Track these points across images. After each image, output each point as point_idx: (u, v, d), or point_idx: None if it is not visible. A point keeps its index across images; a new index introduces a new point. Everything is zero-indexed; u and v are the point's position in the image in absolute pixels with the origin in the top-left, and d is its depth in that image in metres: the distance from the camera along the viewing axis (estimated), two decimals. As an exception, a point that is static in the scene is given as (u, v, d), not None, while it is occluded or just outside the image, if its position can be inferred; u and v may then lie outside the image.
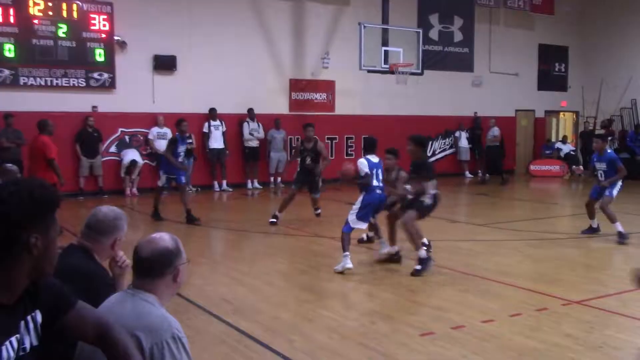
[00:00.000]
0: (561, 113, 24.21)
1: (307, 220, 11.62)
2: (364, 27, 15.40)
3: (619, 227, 9.50)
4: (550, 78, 23.29)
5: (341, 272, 7.51)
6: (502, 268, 7.81)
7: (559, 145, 22.53)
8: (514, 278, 7.24)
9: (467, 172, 20.66)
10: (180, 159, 11.53)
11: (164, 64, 15.68)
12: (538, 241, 9.91)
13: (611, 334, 5.48)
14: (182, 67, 15.88)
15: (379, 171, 7.88)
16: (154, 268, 2.60)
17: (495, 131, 19.63)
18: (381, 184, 7.87)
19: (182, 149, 11.61)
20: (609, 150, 10.28)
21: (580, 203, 11.59)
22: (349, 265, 7.53)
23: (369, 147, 8.26)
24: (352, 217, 7.74)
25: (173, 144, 11.56)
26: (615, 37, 22.46)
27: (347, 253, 7.58)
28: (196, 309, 6.13)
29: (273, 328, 5.60)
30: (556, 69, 23.46)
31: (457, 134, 20.60)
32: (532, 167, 21.82)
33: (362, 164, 7.87)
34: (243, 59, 16.74)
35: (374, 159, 7.98)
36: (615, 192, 9.77)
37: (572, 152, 22.27)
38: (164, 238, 2.67)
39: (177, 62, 15.81)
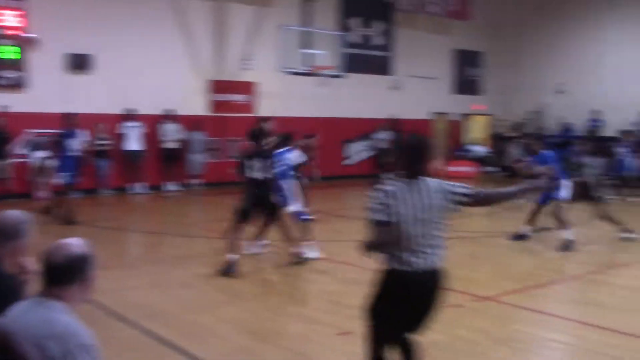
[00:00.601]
0: (475, 116, 25.11)
1: (225, 221, 11.50)
2: (285, 29, 15.45)
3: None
4: (465, 82, 24.12)
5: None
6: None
7: (472, 147, 23.39)
8: (429, 276, 7.45)
9: (385, 174, 21.04)
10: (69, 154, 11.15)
11: (79, 62, 15.14)
12: (451, 240, 10.17)
13: (518, 328, 5.73)
14: (99, 66, 15.38)
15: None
16: (63, 274, 2.52)
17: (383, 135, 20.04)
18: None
19: (71, 143, 11.25)
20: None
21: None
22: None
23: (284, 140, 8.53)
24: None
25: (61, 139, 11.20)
26: (526, 43, 23.52)
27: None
28: (109, 315, 5.96)
29: (189, 332, 5.52)
30: (471, 74, 24.31)
31: (376, 135, 20.94)
32: (448, 169, 22.48)
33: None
34: (162, 59, 16.41)
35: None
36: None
37: (485, 154, 23.17)
38: (74, 243, 2.59)
39: (93, 61, 15.31)
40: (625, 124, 19.77)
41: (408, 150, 3.65)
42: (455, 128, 24.06)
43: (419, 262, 3.52)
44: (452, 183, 3.60)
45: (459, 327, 5.65)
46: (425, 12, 21.67)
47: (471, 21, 23.09)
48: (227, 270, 7.50)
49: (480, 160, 22.50)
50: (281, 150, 8.25)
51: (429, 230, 3.51)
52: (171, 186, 16.52)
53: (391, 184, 3.61)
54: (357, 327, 5.56)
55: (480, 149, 23.20)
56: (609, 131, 21.16)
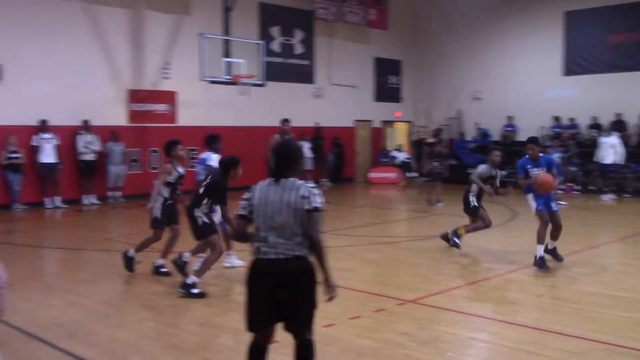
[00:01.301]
0: (396, 123, 25.64)
1: (147, 234, 11.22)
2: (205, 37, 15.28)
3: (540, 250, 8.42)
4: (386, 90, 24.61)
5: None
6: (342, 273, 8.04)
7: (394, 153, 23.88)
8: (353, 282, 7.52)
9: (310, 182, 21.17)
10: None
11: (-14, 72, 14.47)
12: (376, 245, 10.37)
13: (442, 329, 5.86)
14: (10, 76, 14.72)
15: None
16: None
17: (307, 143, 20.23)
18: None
19: None
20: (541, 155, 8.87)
21: (415, 207, 12.32)
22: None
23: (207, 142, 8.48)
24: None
25: None
26: (442, 52, 24.28)
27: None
28: (24, 336, 5.68)
29: (111, 350, 5.34)
30: (391, 82, 24.83)
31: (299, 144, 21.04)
32: (370, 175, 22.85)
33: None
34: (77, 68, 15.89)
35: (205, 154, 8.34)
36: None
37: (406, 160, 23.69)
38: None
39: (3, 71, 14.63)
40: (536, 128, 20.70)
41: (273, 152, 3.99)
42: (377, 135, 24.48)
43: (270, 251, 3.78)
44: (316, 191, 3.82)
45: (384, 332, 5.73)
46: (345, 22, 21.98)
47: (390, 30, 23.60)
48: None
49: (402, 166, 22.99)
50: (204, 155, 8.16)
51: (282, 224, 3.77)
52: (89, 199, 15.99)
53: (258, 183, 3.96)
54: (283, 336, 5.55)
55: (401, 155, 23.71)
56: (523, 136, 22.11)
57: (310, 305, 3.88)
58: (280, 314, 3.85)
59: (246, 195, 3.99)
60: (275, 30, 20.48)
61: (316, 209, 3.79)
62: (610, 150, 16.84)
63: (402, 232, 12.17)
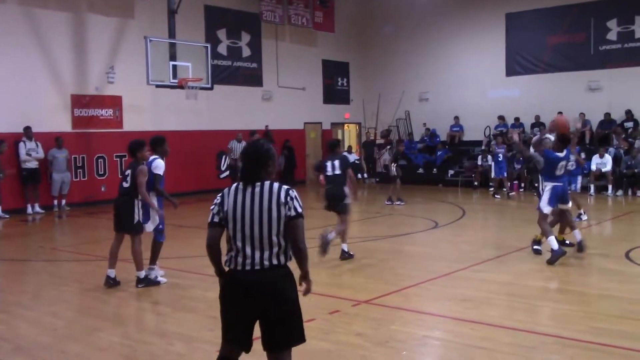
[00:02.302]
0: (345, 125, 25.78)
1: (96, 242, 10.97)
2: (150, 41, 15.02)
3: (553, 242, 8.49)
4: (334, 92, 24.72)
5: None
6: (297, 275, 8.03)
7: (344, 154, 23.93)
8: (308, 285, 7.50)
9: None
10: None
11: None
12: (330, 247, 10.36)
13: (396, 328, 5.90)
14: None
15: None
16: None
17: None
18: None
19: None
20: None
21: (367, 209, 12.40)
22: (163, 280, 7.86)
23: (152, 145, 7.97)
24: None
25: None
26: (389, 54, 24.54)
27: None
28: (-33, 352, 5.45)
29: (60, 363, 5.17)
30: (339, 84, 24.96)
31: (269, 145, 20.89)
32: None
33: (157, 165, 7.71)
34: (17, 73, 15.38)
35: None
36: (543, 204, 8.77)
37: (356, 161, 23.80)
38: None
39: None
40: (482, 128, 21.15)
41: (244, 156, 3.78)
42: (327, 137, 24.53)
43: (247, 262, 3.56)
44: (295, 196, 3.65)
45: (339, 333, 5.74)
46: (291, 24, 21.98)
47: (337, 33, 23.72)
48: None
49: (352, 168, 23.05)
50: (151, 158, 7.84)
51: (259, 232, 3.55)
52: (34, 208, 15.49)
53: (229, 187, 3.71)
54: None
55: (351, 157, 23.80)
56: (468, 135, 22.55)
57: (296, 314, 3.65)
58: (263, 326, 3.62)
59: (217, 200, 3.70)
60: (221, 33, 20.31)
61: (298, 215, 3.60)
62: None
63: (355, 233, 12.21)
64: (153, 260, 7.89)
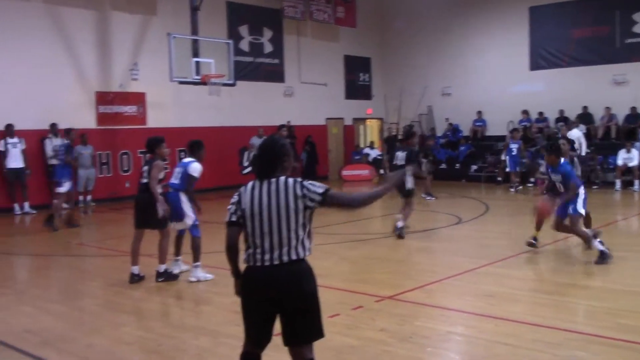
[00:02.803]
0: (367, 120, 25.72)
1: (121, 237, 11.10)
2: (173, 37, 15.13)
3: (598, 245, 8.14)
4: (356, 87, 24.67)
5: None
6: (319, 271, 7.95)
7: (367, 150, 23.94)
8: (330, 280, 7.50)
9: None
10: None
11: (-51, 76, 14.13)
12: (352, 242, 10.39)
13: (420, 324, 5.89)
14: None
15: (179, 170, 7.88)
16: None
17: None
18: (176, 182, 7.84)
19: None
20: (561, 161, 8.50)
21: (389, 204, 12.36)
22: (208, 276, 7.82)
23: (188, 149, 8.07)
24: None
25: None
26: (411, 49, 24.41)
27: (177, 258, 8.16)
28: (-3, 345, 5.56)
29: (87, 356, 5.25)
30: (361, 79, 24.90)
31: (285, 141, 20.90)
32: (343, 173, 22.89)
33: (195, 168, 7.79)
34: (43, 71, 15.61)
35: (186, 160, 7.97)
36: (580, 207, 8.37)
37: (379, 157, 23.75)
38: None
39: (-37, 75, 14.32)
40: (505, 123, 20.95)
41: (259, 151, 3.78)
42: (349, 133, 24.53)
43: (265, 258, 3.57)
44: (309, 183, 3.63)
45: (363, 329, 5.74)
46: (313, 20, 21.97)
47: (359, 28, 23.65)
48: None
49: (374, 163, 23.06)
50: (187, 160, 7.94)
51: (277, 227, 3.55)
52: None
53: (247, 185, 3.70)
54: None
55: (373, 152, 23.78)
56: (491, 130, 22.37)
57: (314, 308, 3.63)
58: (283, 322, 3.62)
59: (234, 198, 3.70)
60: (243, 30, 20.38)
61: (325, 193, 3.59)
62: (575, 144, 17.13)
63: (378, 229, 12.20)
64: (197, 257, 7.82)
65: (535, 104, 20.92)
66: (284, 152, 3.74)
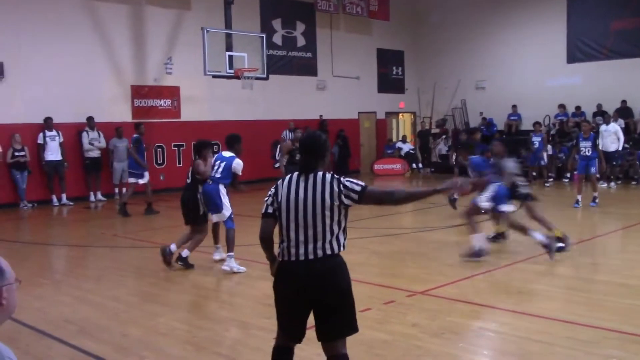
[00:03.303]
0: (400, 114, 25.58)
1: (155, 229, 11.26)
2: (207, 31, 15.24)
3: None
4: (389, 81, 24.53)
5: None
6: (351, 266, 7.95)
7: (399, 144, 23.82)
8: (363, 274, 7.50)
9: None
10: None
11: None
12: (384, 237, 10.37)
13: (452, 320, 5.85)
14: (11, 74, 14.75)
15: (222, 164, 8.06)
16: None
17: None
18: (216, 176, 8.04)
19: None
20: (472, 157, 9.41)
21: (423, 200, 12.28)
22: (241, 268, 7.93)
23: (226, 142, 8.32)
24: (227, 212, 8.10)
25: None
26: (444, 42, 24.15)
27: (217, 246, 8.48)
28: (35, 333, 5.69)
29: (123, 346, 5.35)
30: (394, 72, 24.75)
31: (325, 136, 20.87)
32: (375, 167, 22.82)
33: (238, 164, 8.09)
34: (79, 65, 15.88)
35: (226, 154, 8.17)
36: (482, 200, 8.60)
37: (411, 151, 23.64)
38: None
39: (4, 69, 14.64)
40: (541, 117, 20.59)
41: (300, 145, 3.82)
42: (381, 126, 24.43)
43: (300, 252, 3.56)
44: (347, 180, 3.62)
45: (395, 324, 5.73)
46: (346, 13, 21.90)
47: (391, 21, 23.50)
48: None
49: (407, 157, 22.95)
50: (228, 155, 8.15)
51: (312, 222, 3.54)
52: (95, 196, 16.02)
53: (283, 179, 3.74)
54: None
55: (406, 146, 23.66)
56: (526, 125, 22.02)
57: (348, 303, 3.63)
58: (317, 317, 3.61)
59: (271, 191, 3.72)
60: (276, 23, 20.43)
61: (364, 188, 3.58)
62: (613, 137, 16.76)
63: (409, 224, 12.15)
64: (231, 248, 7.99)
65: (572, 98, 20.51)
66: (327, 147, 3.79)
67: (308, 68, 21.47)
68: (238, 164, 8.08)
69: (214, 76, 15.94)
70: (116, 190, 16.35)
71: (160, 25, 17.47)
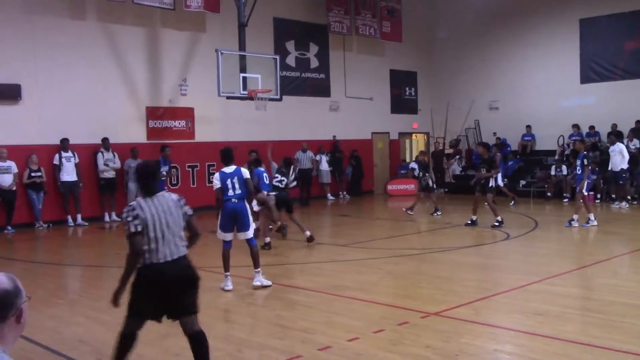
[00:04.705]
0: (413, 134, 25.58)
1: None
2: (221, 53, 15.40)
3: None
4: (402, 101, 24.59)
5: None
6: (364, 286, 8.03)
7: (412, 165, 23.71)
8: (376, 295, 7.47)
9: (328, 195, 21.13)
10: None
11: (7, 93, 14.67)
12: (397, 257, 10.32)
13: (466, 342, 5.79)
14: (28, 96, 14.96)
15: (235, 180, 7.92)
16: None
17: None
18: (238, 193, 7.89)
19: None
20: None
21: (436, 219, 12.26)
22: (229, 286, 7.94)
23: (224, 158, 8.13)
24: (217, 231, 8.08)
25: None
26: (458, 63, 24.22)
27: (228, 273, 8.06)
28: (49, 353, 5.70)
29: (135, 366, 5.34)
30: (407, 93, 24.82)
31: (317, 157, 20.93)
32: (389, 187, 22.78)
33: (215, 178, 8.05)
34: (95, 87, 16.09)
35: (229, 169, 8.00)
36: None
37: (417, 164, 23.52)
38: (0, 279, 2.45)
39: (22, 91, 14.85)
40: (555, 137, 20.50)
41: (139, 174, 4.67)
42: (395, 147, 24.44)
43: (166, 255, 4.55)
44: (183, 202, 4.68)
45: (408, 345, 5.68)
46: (359, 34, 22.05)
47: (404, 42, 23.61)
48: None
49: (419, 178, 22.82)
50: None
51: (174, 231, 4.55)
52: (110, 217, 16.11)
53: (138, 202, 4.56)
54: (307, 350, 5.53)
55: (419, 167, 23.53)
56: (541, 145, 21.94)
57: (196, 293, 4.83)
58: (167, 307, 4.72)
59: (133, 213, 4.45)
60: (290, 45, 20.60)
61: (192, 214, 4.70)
62: (619, 156, 16.62)
63: (423, 244, 12.09)
64: (257, 264, 8.06)
65: (587, 118, 20.44)
66: (157, 172, 4.75)
67: (321, 89, 21.58)
68: (246, 172, 8.14)
69: (228, 97, 16.06)
70: (130, 210, 16.40)
71: (175, 48, 17.68)
